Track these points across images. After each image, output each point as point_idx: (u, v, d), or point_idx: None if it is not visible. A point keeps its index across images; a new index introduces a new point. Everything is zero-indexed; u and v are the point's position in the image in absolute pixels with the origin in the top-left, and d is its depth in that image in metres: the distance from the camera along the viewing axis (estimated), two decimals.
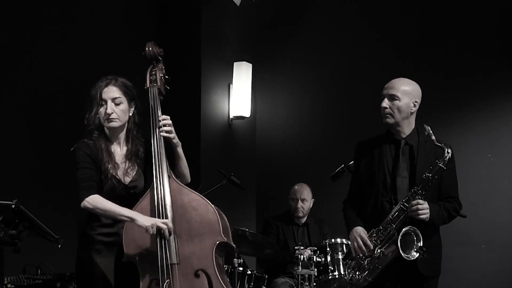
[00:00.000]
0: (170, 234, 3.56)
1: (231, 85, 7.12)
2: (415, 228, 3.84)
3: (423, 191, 3.90)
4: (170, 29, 6.81)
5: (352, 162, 5.20)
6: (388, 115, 4.02)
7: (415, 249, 3.84)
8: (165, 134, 3.71)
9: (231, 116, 7.11)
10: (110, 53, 6.08)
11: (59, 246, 3.57)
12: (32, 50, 5.47)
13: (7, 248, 3.46)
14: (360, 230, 4.01)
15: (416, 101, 4.02)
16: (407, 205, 3.89)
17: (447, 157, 3.90)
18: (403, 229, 3.84)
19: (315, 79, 7.49)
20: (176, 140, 3.77)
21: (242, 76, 7.10)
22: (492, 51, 6.67)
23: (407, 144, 4.05)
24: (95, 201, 3.59)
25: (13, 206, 3.40)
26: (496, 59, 6.65)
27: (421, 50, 6.88)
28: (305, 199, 6.24)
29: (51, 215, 4.83)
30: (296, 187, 6.32)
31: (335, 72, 7.36)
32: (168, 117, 3.76)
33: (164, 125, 3.71)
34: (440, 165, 3.89)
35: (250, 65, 7.19)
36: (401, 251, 3.82)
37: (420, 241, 3.83)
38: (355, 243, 4.01)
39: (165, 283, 3.54)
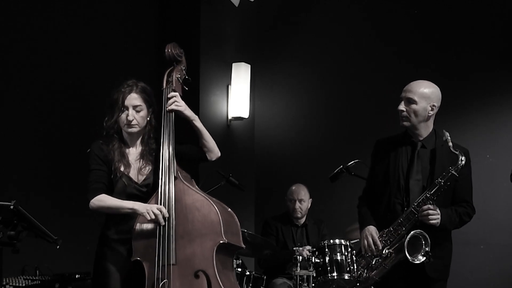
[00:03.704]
0: (164, 221, 3.61)
1: (229, 86, 7.11)
2: (424, 232, 3.85)
3: (435, 196, 3.90)
4: (169, 29, 6.81)
5: (351, 163, 5.23)
6: (404, 118, 4.00)
7: (422, 253, 3.85)
8: (173, 107, 3.81)
9: (229, 117, 7.11)
10: (109, 53, 6.08)
11: (58, 247, 3.56)
12: (33, 50, 5.47)
13: (5, 248, 3.46)
14: (372, 229, 4.04)
15: (434, 105, 4.00)
16: (418, 209, 3.90)
17: (461, 165, 3.90)
18: (411, 232, 3.86)
19: (314, 79, 7.49)
20: (190, 113, 3.88)
21: (241, 76, 7.09)
22: (492, 52, 6.67)
23: (424, 147, 4.05)
24: (99, 200, 3.69)
25: (11, 206, 3.40)
26: (495, 59, 6.65)
27: (420, 50, 6.88)
28: (303, 199, 6.24)
29: (49, 216, 4.83)
30: (293, 187, 6.31)
31: (334, 73, 7.36)
32: (176, 93, 3.86)
33: (170, 98, 3.83)
34: (452, 171, 3.89)
35: (249, 65, 7.19)
36: (407, 254, 3.83)
37: (428, 246, 3.84)
38: (365, 241, 4.03)
39: (162, 283, 3.54)
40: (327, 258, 5.43)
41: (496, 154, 6.61)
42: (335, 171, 5.40)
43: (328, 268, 5.42)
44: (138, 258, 3.67)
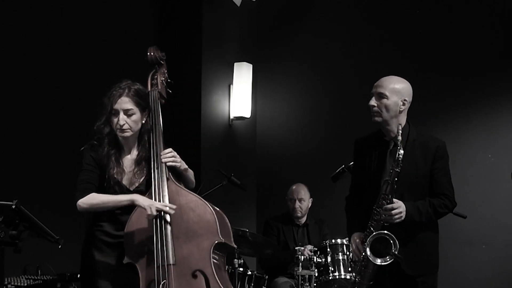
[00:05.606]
0: (169, 220, 3.59)
1: (231, 85, 7.12)
2: (383, 232, 3.77)
3: (390, 195, 3.79)
4: (171, 30, 6.82)
5: (353, 163, 5.22)
6: (376, 114, 3.94)
7: (390, 254, 3.76)
8: (171, 164, 3.75)
9: (231, 117, 7.12)
10: (110, 54, 6.08)
11: (60, 246, 3.57)
12: (32, 51, 5.48)
13: (7, 248, 3.46)
14: (356, 236, 3.99)
15: (405, 100, 3.92)
16: (379, 210, 3.82)
17: (399, 158, 3.76)
18: (369, 237, 3.79)
19: (315, 79, 7.49)
20: (184, 167, 3.83)
21: (243, 76, 7.10)
22: (493, 52, 6.67)
23: (396, 145, 3.91)
24: (90, 198, 3.63)
25: (13, 206, 3.40)
26: (496, 59, 6.65)
27: (421, 50, 6.89)
28: (303, 198, 6.24)
29: (51, 216, 4.84)
30: (293, 187, 6.32)
31: (335, 73, 7.36)
32: (170, 149, 3.78)
33: (168, 158, 3.74)
34: (394, 169, 3.78)
35: (251, 65, 7.20)
36: (370, 258, 3.78)
37: (394, 244, 3.73)
38: (351, 248, 4.02)
39: (161, 284, 3.55)
40: (329, 258, 5.44)
41: (496, 154, 6.61)
42: (336, 171, 5.39)
43: (330, 267, 5.43)
44: (131, 261, 3.63)
